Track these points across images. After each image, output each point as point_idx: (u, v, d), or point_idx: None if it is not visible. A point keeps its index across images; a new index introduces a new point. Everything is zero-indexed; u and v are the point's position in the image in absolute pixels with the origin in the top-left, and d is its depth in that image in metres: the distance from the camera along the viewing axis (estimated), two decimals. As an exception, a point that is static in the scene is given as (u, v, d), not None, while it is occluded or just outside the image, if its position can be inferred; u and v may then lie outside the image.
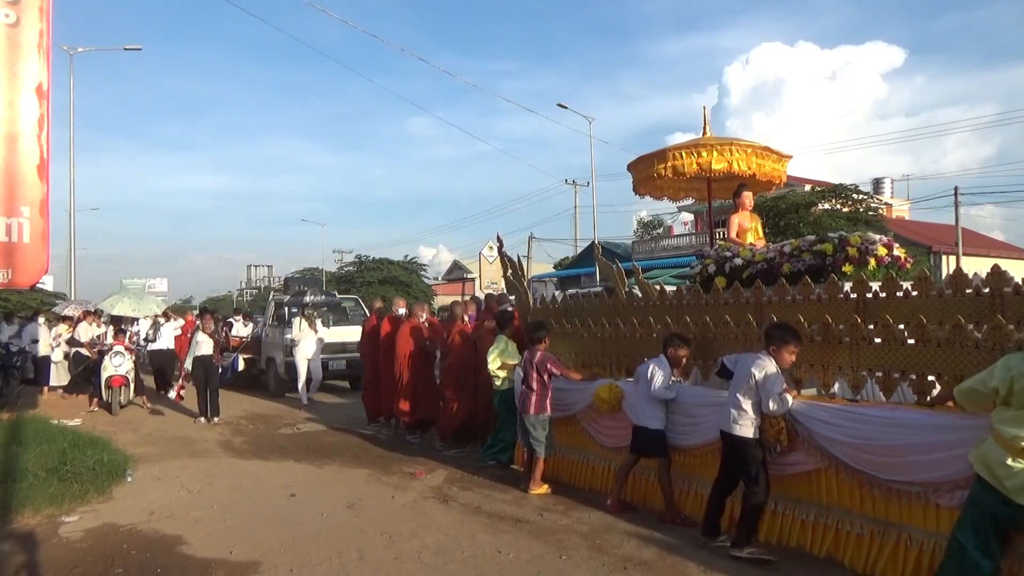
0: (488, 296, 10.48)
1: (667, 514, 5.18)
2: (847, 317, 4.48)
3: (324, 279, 37.28)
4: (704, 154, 6.69)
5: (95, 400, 11.68)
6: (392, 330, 9.04)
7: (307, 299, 13.70)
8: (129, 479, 6.73)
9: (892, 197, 38.23)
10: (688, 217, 40.28)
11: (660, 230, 44.27)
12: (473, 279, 45.25)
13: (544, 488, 6.06)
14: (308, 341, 12.04)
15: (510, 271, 7.77)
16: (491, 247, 34.60)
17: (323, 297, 15.15)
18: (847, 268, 5.11)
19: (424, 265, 42.77)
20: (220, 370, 11.18)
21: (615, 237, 40.10)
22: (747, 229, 6.84)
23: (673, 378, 5.23)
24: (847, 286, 4.67)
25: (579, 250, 39.21)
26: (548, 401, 6.15)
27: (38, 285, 21.22)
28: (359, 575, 4.36)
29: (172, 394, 11.52)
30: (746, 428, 4.40)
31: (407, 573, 4.37)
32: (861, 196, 25.09)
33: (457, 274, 56.68)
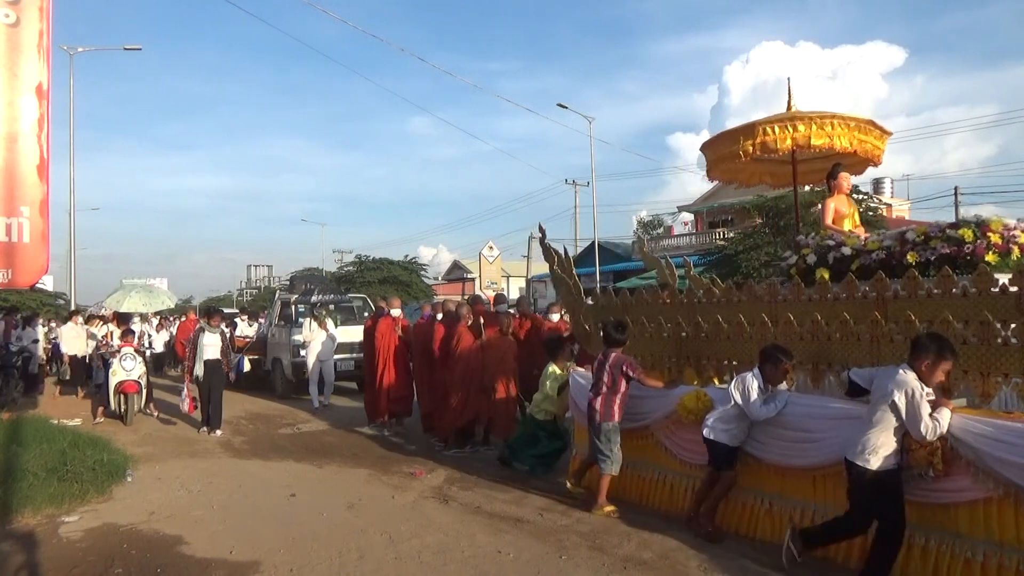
0: (474, 297, 10.46)
1: (701, 519, 4.81)
2: (1006, 315, 3.84)
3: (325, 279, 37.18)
4: (801, 128, 5.83)
5: (101, 410, 10.58)
6: (384, 329, 9.26)
7: (315, 298, 13.02)
8: (129, 479, 6.73)
9: (892, 197, 38.21)
10: (688, 217, 40.30)
11: (660, 230, 44.29)
12: (473, 279, 45.21)
13: (610, 508, 5.40)
14: (319, 341, 11.51)
15: (556, 264, 7.01)
16: (491, 247, 34.55)
17: (332, 296, 14.29)
18: (991, 257, 4.40)
19: (424, 265, 42.78)
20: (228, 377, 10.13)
21: (615, 237, 40.12)
22: (844, 215, 6.09)
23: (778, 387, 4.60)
24: (1003, 279, 4.00)
25: (579, 250, 39.21)
26: (619, 408, 5.46)
27: (38, 285, 21.20)
28: (359, 575, 4.36)
29: (184, 406, 9.97)
30: (879, 459, 3.71)
31: (407, 573, 4.37)
32: (861, 196, 25.06)
33: (457, 274, 56.65)
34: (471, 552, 4.67)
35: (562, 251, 7.04)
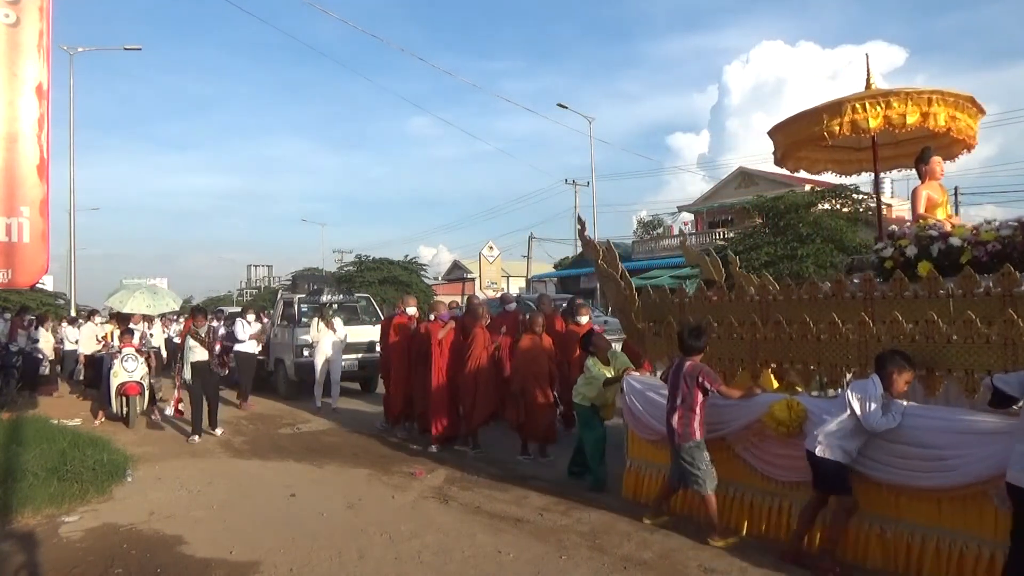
0: (470, 298, 10.38)
1: (819, 558, 4.17)
2: None
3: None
4: (896, 105, 5.19)
5: (102, 412, 10.45)
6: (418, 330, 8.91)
7: (324, 298, 12.82)
8: (129, 479, 6.73)
9: (892, 197, 38.19)
10: (688, 217, 40.29)
11: (660, 230, 44.27)
12: (473, 279, 45.23)
13: (733, 539, 4.66)
14: (326, 342, 11.35)
15: (601, 258, 6.42)
16: (491, 247, 34.61)
17: (342, 296, 14.13)
18: None
19: (424, 265, 42.68)
20: (220, 375, 10.03)
21: (615, 237, 40.07)
22: (937, 203, 5.59)
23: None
24: None
25: (579, 250, 39.22)
26: (700, 425, 4.85)
27: (38, 285, 21.19)
28: (359, 575, 4.36)
29: (169, 410, 10.34)
30: None
31: (407, 573, 4.37)
32: (861, 196, 25.05)
33: (457, 274, 56.63)
34: (471, 552, 4.67)
35: (608, 245, 6.57)
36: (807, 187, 29.47)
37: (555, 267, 43.19)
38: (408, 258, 39.95)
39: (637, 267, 33.49)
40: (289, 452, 8.15)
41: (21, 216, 6.89)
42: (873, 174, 6.57)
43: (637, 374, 6.05)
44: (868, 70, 5.84)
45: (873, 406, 3.96)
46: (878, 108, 5.25)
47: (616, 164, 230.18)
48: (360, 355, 12.40)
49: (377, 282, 35.27)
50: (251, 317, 11.89)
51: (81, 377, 14.48)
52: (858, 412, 4.00)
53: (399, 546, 4.81)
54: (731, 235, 28.77)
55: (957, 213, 26.49)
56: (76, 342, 14.58)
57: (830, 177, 7.35)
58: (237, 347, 11.63)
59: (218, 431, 9.24)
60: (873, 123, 5.26)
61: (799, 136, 5.89)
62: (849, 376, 4.55)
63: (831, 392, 4.95)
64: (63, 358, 15.67)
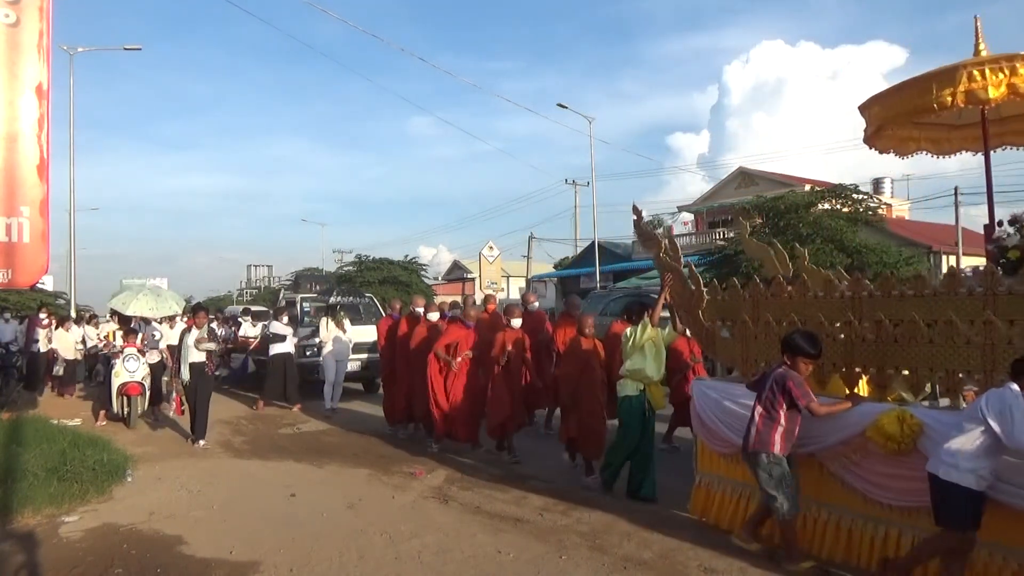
0: (467, 299, 10.23)
1: None
2: None
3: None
4: (1022, 70, 4.42)
5: (103, 412, 10.35)
6: (411, 330, 8.69)
7: (333, 298, 12.72)
8: (129, 479, 6.73)
9: (892, 197, 38.19)
10: (688, 217, 40.28)
11: (660, 230, 44.28)
12: (473, 279, 45.23)
13: (807, 564, 4.17)
14: (336, 342, 11.29)
15: (663, 251, 5.79)
16: (491, 247, 34.56)
17: (352, 296, 14.02)
18: None
19: (424, 265, 42.66)
20: (220, 375, 10.19)
21: (615, 237, 40.08)
22: None
23: None
24: None
25: (579, 250, 39.21)
26: (783, 437, 4.26)
27: (38, 285, 21.18)
28: (359, 575, 4.36)
29: (171, 411, 10.29)
30: None
31: (407, 573, 4.37)
32: (861, 196, 25.05)
33: (457, 274, 56.64)
34: (471, 552, 4.67)
35: (670, 238, 5.99)
36: (807, 187, 29.49)
37: (555, 267, 43.18)
38: (408, 258, 39.94)
39: (637, 267, 33.49)
40: (289, 452, 8.15)
41: (21, 216, 6.90)
42: (983, 153, 5.64)
43: (708, 379, 5.43)
44: (977, 32, 5.00)
45: (1019, 418, 3.37)
46: (1001, 75, 4.42)
47: (616, 164, 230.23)
48: (364, 355, 12.33)
49: (377, 282, 35.27)
50: (286, 319, 11.70)
51: (101, 378, 14.44)
52: (997, 427, 3.42)
53: (399, 546, 4.81)
54: (731, 235, 28.75)
55: (957, 213, 26.58)
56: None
57: (915, 161, 6.65)
58: (277, 348, 11.52)
59: (201, 443, 8.54)
60: (994, 92, 4.43)
61: (900, 109, 5.01)
62: (969, 384, 4.01)
63: (943, 402, 4.24)
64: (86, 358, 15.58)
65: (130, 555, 4.74)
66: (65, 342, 13.58)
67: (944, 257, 27.96)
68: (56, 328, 13.76)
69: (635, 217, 6.34)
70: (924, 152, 6.05)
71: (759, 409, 4.32)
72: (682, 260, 5.72)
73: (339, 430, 9.51)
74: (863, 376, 4.49)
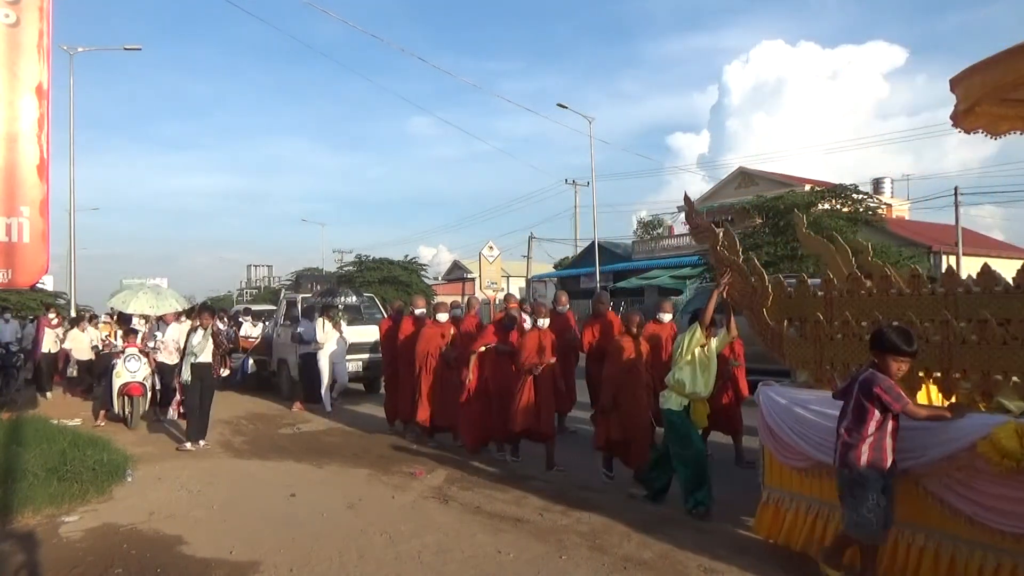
0: (468, 299, 10.24)
1: None
2: None
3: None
4: None
5: (103, 413, 10.32)
6: (414, 331, 8.65)
7: (338, 299, 12.66)
8: (129, 479, 6.73)
9: (892, 197, 38.19)
10: (688, 217, 40.23)
11: (660, 230, 44.28)
12: (473, 279, 45.22)
13: None
14: (333, 343, 11.33)
15: (720, 245, 5.28)
16: (491, 247, 34.54)
17: (355, 297, 14.00)
18: None
19: (424, 265, 42.64)
20: (221, 376, 9.91)
21: (615, 237, 40.18)
22: None
23: None
24: None
25: (579, 250, 39.23)
26: (870, 448, 3.72)
27: (38, 285, 21.17)
28: (359, 575, 4.36)
29: (171, 413, 10.28)
30: None
31: (407, 573, 4.37)
32: (861, 196, 25.06)
33: (457, 274, 56.63)
34: (471, 552, 4.67)
35: (728, 230, 5.37)
36: (807, 187, 29.49)
37: (555, 267, 43.20)
38: (408, 258, 39.95)
39: (637, 267, 33.51)
40: (289, 452, 8.15)
41: (21, 216, 6.89)
42: None
43: (777, 384, 4.89)
44: None
45: None
46: None
47: (616, 164, 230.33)
48: (365, 355, 12.29)
49: (377, 282, 35.28)
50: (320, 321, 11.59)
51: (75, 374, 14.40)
52: None
53: (399, 546, 4.81)
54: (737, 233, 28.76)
55: (957, 213, 26.57)
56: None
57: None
58: (306, 349, 11.50)
59: (202, 443, 8.49)
60: None
61: (1001, 82, 4.36)
62: None
63: None
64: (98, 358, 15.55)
65: (130, 555, 4.74)
66: (80, 343, 13.49)
67: (944, 257, 27.97)
68: (71, 329, 13.73)
69: (687, 208, 5.90)
70: (1019, 131, 5.33)
71: (847, 419, 3.82)
72: (741, 254, 5.20)
73: (339, 430, 9.51)
74: (963, 383, 3.96)
